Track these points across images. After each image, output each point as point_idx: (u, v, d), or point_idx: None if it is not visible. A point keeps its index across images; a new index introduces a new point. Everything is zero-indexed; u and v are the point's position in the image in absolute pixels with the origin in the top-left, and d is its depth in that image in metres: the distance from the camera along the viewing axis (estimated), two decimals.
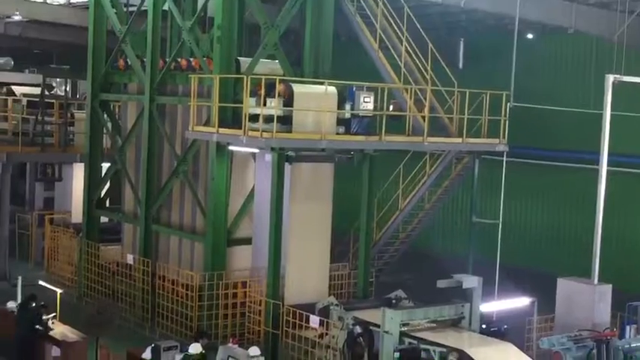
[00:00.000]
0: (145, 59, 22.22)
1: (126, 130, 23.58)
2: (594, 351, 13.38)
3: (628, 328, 17.21)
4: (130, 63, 23.04)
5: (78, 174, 26.19)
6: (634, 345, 14.50)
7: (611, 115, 18.49)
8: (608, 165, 18.77)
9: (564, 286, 18.51)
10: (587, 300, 17.92)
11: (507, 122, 20.96)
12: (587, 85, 26.09)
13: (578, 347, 13.41)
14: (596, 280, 18.29)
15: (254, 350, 15.37)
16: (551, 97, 26.00)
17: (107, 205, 25.09)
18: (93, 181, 24.33)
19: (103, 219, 25.07)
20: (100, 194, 24.52)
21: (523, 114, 23.45)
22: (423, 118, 20.23)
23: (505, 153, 21.37)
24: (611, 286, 18.41)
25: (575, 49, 27.93)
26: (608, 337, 13.62)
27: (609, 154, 18.72)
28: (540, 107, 23.64)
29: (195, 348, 14.96)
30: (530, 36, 28.12)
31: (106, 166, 24.51)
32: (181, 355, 15.23)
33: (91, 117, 24.20)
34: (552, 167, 28.35)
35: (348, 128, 19.31)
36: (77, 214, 25.74)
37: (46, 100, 27.08)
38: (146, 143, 22.06)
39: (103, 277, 22.77)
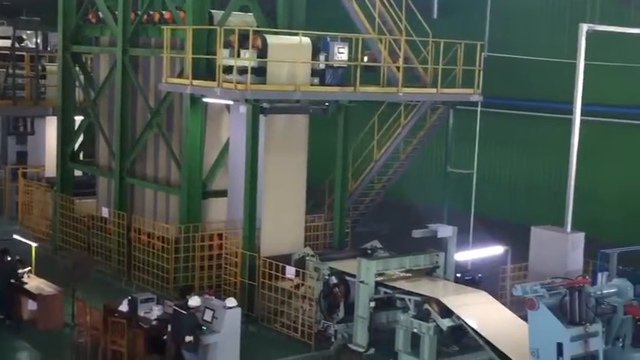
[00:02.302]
0: (116, 12, 21.93)
1: (98, 83, 23.38)
2: (567, 298, 13.54)
3: (600, 275, 17.43)
4: (101, 16, 22.74)
5: (50, 127, 26.00)
6: (605, 292, 14.69)
7: (585, 65, 18.53)
8: (582, 114, 18.87)
9: (538, 235, 18.70)
10: (560, 248, 18.13)
11: (482, 72, 20.99)
12: (562, 35, 26.08)
13: (551, 294, 13.56)
14: (569, 229, 18.49)
15: (230, 301, 15.45)
16: (526, 47, 25.99)
17: (81, 158, 24.95)
18: (66, 134, 24.13)
19: (77, 172, 24.94)
20: (74, 148, 24.35)
21: (497, 64, 23.49)
22: (398, 68, 20.20)
23: (479, 103, 21.43)
24: (583, 234, 18.63)
25: None
26: (581, 284, 13.77)
27: (583, 104, 18.81)
28: (514, 57, 23.66)
29: (195, 300, 14.97)
30: None
31: (79, 119, 24.33)
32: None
33: (62, 70, 23.92)
34: (526, 117, 28.42)
35: (322, 79, 19.24)
36: (51, 168, 25.62)
37: (17, 53, 26.72)
38: (119, 96, 21.89)
39: (78, 230, 22.75)
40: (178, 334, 14.76)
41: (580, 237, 18.50)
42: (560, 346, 13.19)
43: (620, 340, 14.48)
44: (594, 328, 13.56)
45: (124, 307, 16.20)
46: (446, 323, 15.34)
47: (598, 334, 13.58)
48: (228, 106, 19.87)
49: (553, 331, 13.21)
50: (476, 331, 15.14)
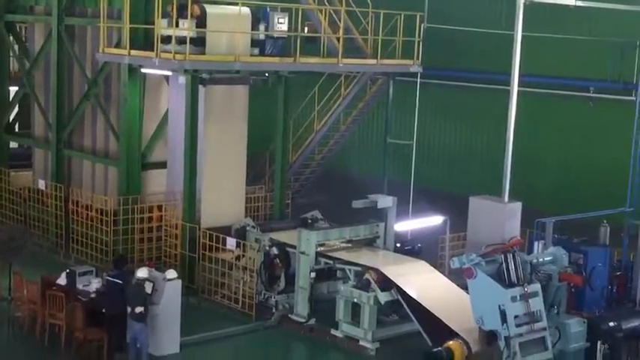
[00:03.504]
0: None
1: (33, 53, 22.90)
2: (504, 265, 13.71)
3: (536, 243, 17.76)
4: None
5: None
6: (541, 260, 14.98)
7: (523, 36, 18.69)
8: (520, 85, 19.05)
9: (476, 205, 18.87)
10: (497, 217, 18.33)
11: (421, 43, 21.08)
12: (500, 6, 26.30)
13: (488, 262, 13.75)
14: (506, 198, 18.72)
15: (171, 273, 15.37)
16: (465, 19, 26.18)
17: (16, 130, 24.52)
18: (0, 105, 23.66)
19: (13, 144, 24.51)
20: (9, 119, 23.91)
21: (437, 35, 23.60)
22: (338, 39, 20.18)
23: (419, 74, 21.53)
24: (520, 203, 18.87)
25: None
26: (514, 246, 13.92)
27: (520, 75, 18.99)
28: (453, 28, 23.77)
29: (142, 272, 14.86)
30: None
31: (13, 89, 23.86)
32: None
33: None
34: (466, 88, 28.68)
35: (262, 50, 19.16)
36: None
37: None
38: (55, 66, 21.49)
39: (14, 203, 22.39)
40: (118, 305, 14.65)
41: (517, 206, 18.72)
42: (502, 309, 13.31)
43: (555, 306, 14.80)
44: (533, 288, 13.76)
45: (62, 280, 16.01)
46: (384, 297, 15.49)
47: (538, 294, 13.79)
48: (167, 77, 19.66)
49: (493, 295, 13.37)
50: (411, 301, 15.24)
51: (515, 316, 13.36)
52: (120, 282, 14.77)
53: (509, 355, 13.13)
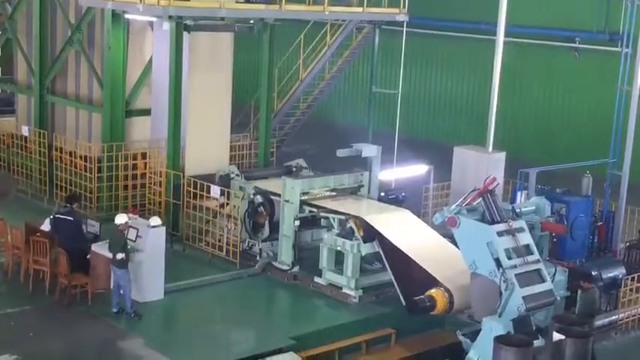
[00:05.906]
0: None
1: None
2: (486, 212, 13.61)
3: (519, 193, 17.88)
4: None
5: None
6: (524, 209, 15.03)
7: None
8: (505, 36, 19.01)
9: (460, 154, 18.97)
10: (481, 167, 18.41)
11: None
12: None
13: (469, 210, 13.68)
14: (490, 148, 18.79)
15: (154, 220, 15.38)
16: None
17: None
18: None
19: None
20: None
21: None
22: None
23: (405, 23, 21.42)
24: (504, 153, 18.96)
25: None
26: (489, 187, 13.73)
27: (506, 25, 18.94)
28: None
29: (121, 218, 14.88)
30: None
31: None
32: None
33: None
34: (451, 38, 28.58)
35: None
36: None
37: None
38: (37, 11, 21.25)
39: None
40: (68, 240, 15.05)
41: (501, 156, 18.83)
42: (492, 250, 13.07)
43: None
44: (518, 224, 13.57)
45: (45, 226, 16.01)
46: (365, 249, 15.57)
47: (524, 229, 13.56)
48: (151, 23, 19.46)
49: (480, 235, 13.15)
50: (391, 251, 15.29)
51: (506, 250, 13.18)
52: (70, 219, 15.18)
53: (507, 287, 12.94)
